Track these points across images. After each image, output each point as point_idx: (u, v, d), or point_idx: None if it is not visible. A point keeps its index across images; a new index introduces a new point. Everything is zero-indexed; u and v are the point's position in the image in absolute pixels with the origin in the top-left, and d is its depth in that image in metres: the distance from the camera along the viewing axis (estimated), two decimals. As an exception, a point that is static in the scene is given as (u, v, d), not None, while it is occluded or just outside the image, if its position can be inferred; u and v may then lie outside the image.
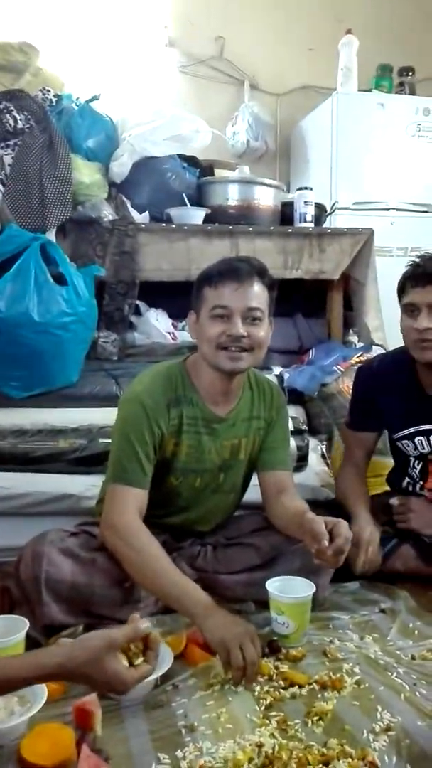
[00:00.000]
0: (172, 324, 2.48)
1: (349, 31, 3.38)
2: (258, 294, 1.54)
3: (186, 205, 2.47)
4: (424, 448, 1.84)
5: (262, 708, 1.22)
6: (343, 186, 3.28)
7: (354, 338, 2.75)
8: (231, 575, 1.65)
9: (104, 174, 2.42)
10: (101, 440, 2.02)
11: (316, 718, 1.18)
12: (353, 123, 3.27)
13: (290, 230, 2.53)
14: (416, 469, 1.89)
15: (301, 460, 2.15)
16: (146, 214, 2.44)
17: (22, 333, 1.99)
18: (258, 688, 1.28)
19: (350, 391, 2.10)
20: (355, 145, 3.28)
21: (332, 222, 3.14)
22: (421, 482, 1.89)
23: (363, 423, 1.97)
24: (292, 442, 2.00)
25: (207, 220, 2.47)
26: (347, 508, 1.77)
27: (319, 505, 1.89)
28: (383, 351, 2.40)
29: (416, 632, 1.54)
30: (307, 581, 1.51)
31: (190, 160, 2.61)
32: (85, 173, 2.31)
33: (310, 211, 2.60)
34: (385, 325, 2.53)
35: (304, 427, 2.27)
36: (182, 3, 3.58)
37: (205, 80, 3.67)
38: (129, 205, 2.42)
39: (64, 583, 1.45)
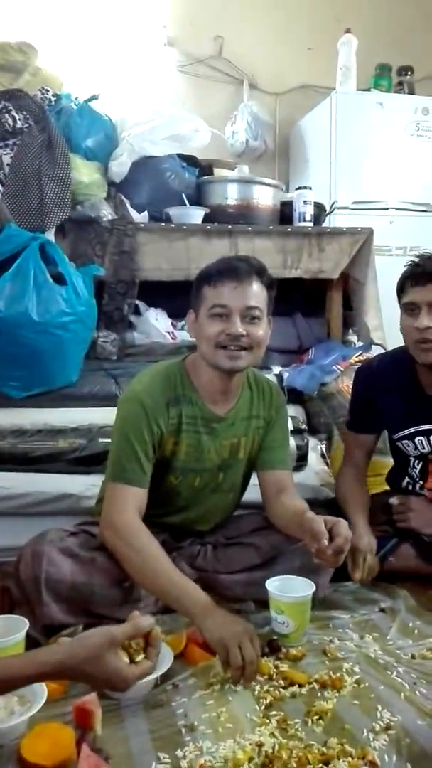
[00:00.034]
0: (172, 323, 2.48)
1: (348, 31, 3.37)
2: (257, 293, 1.54)
3: (185, 204, 2.47)
4: (424, 448, 1.84)
5: (262, 707, 1.22)
6: (342, 185, 3.28)
7: (353, 338, 2.75)
8: (231, 575, 1.65)
9: (103, 173, 2.42)
10: (101, 440, 2.02)
11: (316, 717, 1.18)
12: (352, 122, 3.27)
13: (289, 230, 2.53)
14: (416, 469, 1.89)
15: (301, 460, 2.15)
16: (145, 213, 2.44)
17: (22, 333, 1.99)
18: (258, 688, 1.28)
19: (350, 390, 2.10)
20: (354, 144, 3.28)
21: (331, 221, 3.14)
22: (421, 482, 1.89)
23: (363, 425, 1.96)
24: (292, 442, 2.00)
25: (206, 219, 2.47)
26: (346, 514, 1.77)
27: (318, 505, 1.90)
28: (383, 350, 2.40)
29: (416, 631, 1.54)
30: (306, 581, 1.51)
31: (189, 160, 2.61)
32: (84, 173, 2.31)
33: (310, 211, 2.60)
34: (385, 325, 2.54)
35: (303, 426, 2.27)
36: (181, 2, 3.57)
37: (204, 80, 3.67)
38: (128, 205, 2.42)
39: (63, 583, 1.45)
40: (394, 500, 1.88)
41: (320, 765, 1.05)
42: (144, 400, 1.54)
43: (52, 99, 2.42)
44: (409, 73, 3.59)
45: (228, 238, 2.43)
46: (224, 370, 1.55)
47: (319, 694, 1.26)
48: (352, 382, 2.04)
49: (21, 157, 2.21)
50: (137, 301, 2.41)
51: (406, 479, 1.93)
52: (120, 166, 2.40)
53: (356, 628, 1.55)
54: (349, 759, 1.06)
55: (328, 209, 3.02)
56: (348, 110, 3.27)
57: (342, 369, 2.43)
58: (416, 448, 1.85)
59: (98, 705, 1.14)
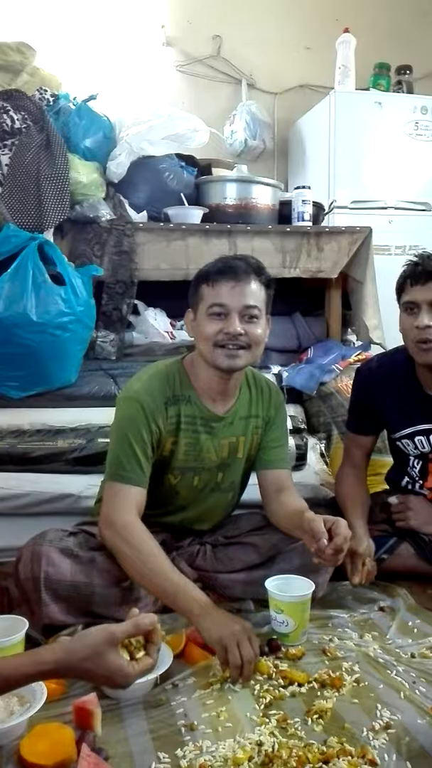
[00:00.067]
0: (171, 323, 2.48)
1: (346, 30, 3.38)
2: (255, 292, 1.54)
3: (184, 204, 2.47)
4: (424, 448, 1.84)
5: (262, 707, 1.22)
6: (341, 185, 3.28)
7: (352, 337, 2.76)
8: (230, 574, 1.65)
9: (102, 173, 2.42)
10: (100, 440, 2.02)
11: (315, 716, 1.18)
12: (351, 122, 3.28)
13: (288, 229, 2.53)
14: (416, 468, 1.89)
15: (300, 459, 2.15)
16: (144, 213, 2.44)
17: (20, 333, 1.99)
18: (257, 687, 1.28)
19: (349, 389, 2.10)
20: (353, 143, 3.28)
21: (330, 221, 3.15)
22: (421, 481, 1.89)
23: (362, 425, 1.96)
24: (291, 441, 2.00)
25: (205, 219, 2.47)
26: (345, 516, 1.77)
27: (318, 504, 1.90)
28: (382, 350, 2.40)
29: (415, 630, 1.54)
30: (306, 580, 1.51)
31: (188, 160, 2.61)
32: (83, 173, 2.31)
33: (308, 210, 2.60)
34: (384, 324, 2.54)
35: (302, 425, 2.28)
36: (180, 2, 3.58)
37: (203, 79, 3.68)
38: (127, 205, 2.42)
39: (63, 583, 1.45)
40: (393, 499, 1.88)
41: (320, 764, 1.05)
42: (142, 400, 1.54)
43: (51, 99, 2.42)
44: (408, 72, 3.60)
45: (227, 238, 2.43)
46: (223, 369, 1.55)
47: (319, 693, 1.26)
48: (351, 382, 2.04)
49: (19, 158, 2.22)
50: (136, 301, 2.41)
51: (406, 478, 1.93)
52: (118, 166, 2.40)
53: (356, 627, 1.55)
54: (349, 758, 1.06)
55: (326, 209, 3.02)
56: (347, 109, 3.27)
57: (341, 368, 2.44)
58: (416, 447, 1.85)
59: (98, 705, 1.14)
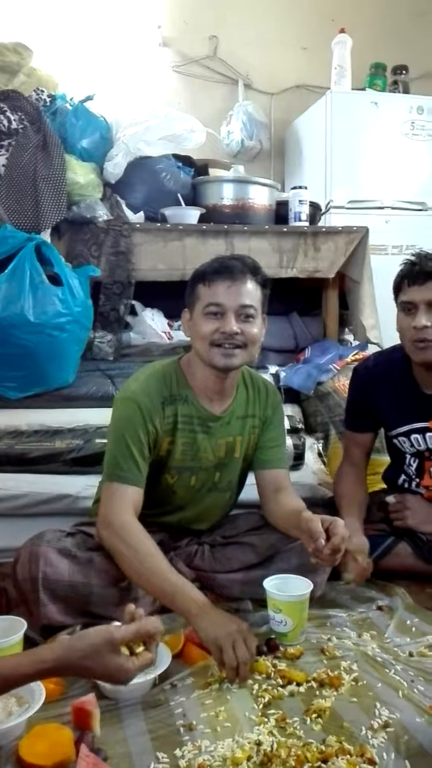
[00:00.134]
0: (168, 323, 2.48)
1: (342, 30, 3.38)
2: (251, 291, 1.54)
3: (181, 204, 2.47)
4: (420, 446, 1.85)
5: (261, 706, 1.22)
6: (338, 184, 3.28)
7: (350, 337, 2.76)
8: (228, 574, 1.65)
9: (99, 174, 2.42)
10: (98, 440, 2.02)
11: (314, 715, 1.18)
12: (347, 122, 3.28)
13: (285, 229, 2.53)
14: (412, 466, 1.89)
15: (298, 459, 2.15)
16: (141, 214, 2.44)
17: (18, 334, 1.99)
18: (256, 687, 1.28)
19: (346, 389, 2.10)
20: (350, 143, 3.28)
21: (327, 221, 3.15)
22: (417, 479, 1.89)
23: (360, 423, 1.96)
24: (289, 441, 2.00)
25: (202, 219, 2.47)
26: (339, 512, 1.77)
27: (316, 504, 1.90)
28: (379, 349, 2.40)
29: (413, 629, 1.54)
30: (304, 579, 1.51)
31: (185, 160, 2.61)
32: (80, 173, 2.31)
33: (305, 210, 2.60)
34: (381, 323, 2.54)
35: (300, 425, 2.28)
36: (176, 3, 3.58)
37: (199, 80, 3.67)
38: (124, 205, 2.42)
39: (61, 583, 1.45)
40: (390, 498, 1.89)
41: (319, 763, 1.05)
42: (139, 400, 1.54)
43: (47, 100, 2.42)
44: (404, 72, 3.60)
45: (224, 238, 2.43)
46: (219, 368, 1.55)
47: (318, 693, 1.27)
48: (348, 381, 2.04)
49: (16, 158, 2.21)
50: (133, 302, 2.41)
51: (403, 477, 1.93)
52: (115, 166, 2.40)
53: (354, 626, 1.55)
54: (348, 757, 1.07)
55: (323, 209, 3.02)
56: (343, 109, 3.28)
57: (338, 368, 2.44)
58: (412, 445, 1.86)
59: (96, 705, 1.14)
